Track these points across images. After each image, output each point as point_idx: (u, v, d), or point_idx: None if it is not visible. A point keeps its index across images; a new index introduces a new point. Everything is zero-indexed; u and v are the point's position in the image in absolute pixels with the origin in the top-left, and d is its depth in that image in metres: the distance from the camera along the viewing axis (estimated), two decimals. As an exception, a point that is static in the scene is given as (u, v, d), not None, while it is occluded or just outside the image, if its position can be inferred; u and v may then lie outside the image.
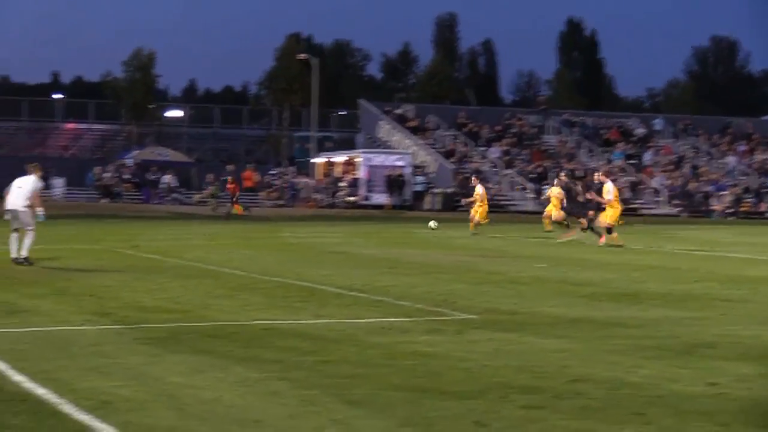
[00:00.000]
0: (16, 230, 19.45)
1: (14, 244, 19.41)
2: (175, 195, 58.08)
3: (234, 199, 44.89)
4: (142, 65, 69.81)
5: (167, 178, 58.90)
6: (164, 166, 60.78)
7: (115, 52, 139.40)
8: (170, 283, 16.56)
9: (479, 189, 31.93)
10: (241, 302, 14.22)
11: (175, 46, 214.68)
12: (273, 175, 62.16)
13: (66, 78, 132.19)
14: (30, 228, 19.38)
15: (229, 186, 46.37)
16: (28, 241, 19.38)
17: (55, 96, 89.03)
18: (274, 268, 19.79)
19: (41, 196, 20.12)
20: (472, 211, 32.05)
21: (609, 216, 26.28)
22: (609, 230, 26.43)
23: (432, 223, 33.43)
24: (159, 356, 9.76)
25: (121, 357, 9.68)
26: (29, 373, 8.71)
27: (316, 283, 16.84)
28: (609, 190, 26.35)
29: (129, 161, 61.72)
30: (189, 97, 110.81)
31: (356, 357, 9.84)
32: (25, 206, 19.34)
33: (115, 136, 75.21)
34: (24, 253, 19.26)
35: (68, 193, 56.52)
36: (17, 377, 8.60)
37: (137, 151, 64.47)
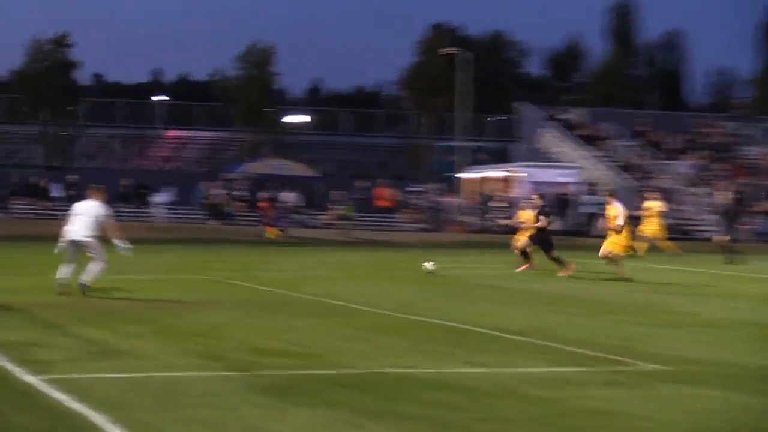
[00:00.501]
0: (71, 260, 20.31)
1: (66, 273, 20.20)
2: (297, 216, 58.79)
3: (268, 221, 45.65)
4: (258, 62, 70.88)
5: (287, 196, 59.64)
6: (284, 182, 61.59)
7: (227, 47, 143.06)
8: (292, 322, 16.84)
9: (617, 209, 28.55)
10: (376, 346, 14.38)
11: (296, 40, 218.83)
12: (412, 192, 62.30)
13: (169, 77, 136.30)
14: (100, 259, 20.25)
15: (261, 205, 47.42)
16: (95, 267, 20.23)
17: (155, 98, 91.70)
18: (416, 304, 19.93)
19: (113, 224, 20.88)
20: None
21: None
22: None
23: (429, 265, 27.78)
24: (279, 409, 9.93)
25: (237, 409, 9.88)
26: (128, 427, 9.00)
27: (467, 323, 16.88)
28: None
29: (242, 175, 62.80)
30: (312, 99, 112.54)
31: (518, 414, 9.82)
32: (90, 236, 20.24)
33: (225, 146, 76.65)
34: (87, 278, 20.04)
35: (170, 213, 57.72)
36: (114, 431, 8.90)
37: (252, 164, 65.46)
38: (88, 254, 20.43)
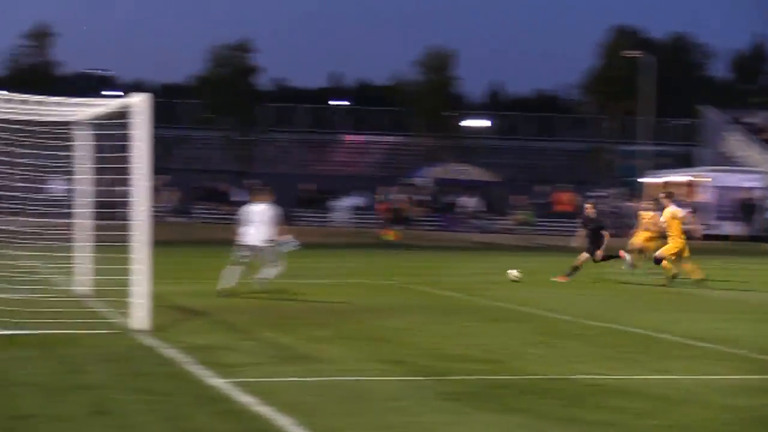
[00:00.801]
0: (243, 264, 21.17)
1: (234, 277, 20.94)
2: (478, 221, 58.77)
3: (388, 224, 45.36)
4: (438, 66, 71.19)
5: (468, 201, 59.71)
6: (465, 186, 61.70)
7: (407, 52, 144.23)
8: (477, 328, 16.94)
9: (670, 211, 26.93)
10: (561, 352, 14.36)
11: (476, 45, 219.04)
12: (594, 197, 61.56)
13: (349, 82, 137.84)
14: (275, 263, 21.12)
15: (380, 207, 47.17)
16: (271, 271, 21.20)
17: (335, 103, 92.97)
18: (601, 311, 19.83)
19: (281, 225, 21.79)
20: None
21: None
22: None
23: (513, 273, 27.25)
24: (466, 414, 10.00)
25: (421, 415, 9.98)
26: (313, 430, 9.19)
27: (653, 330, 16.73)
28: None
29: (423, 180, 63.23)
30: (493, 104, 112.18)
31: (704, 422, 9.69)
32: (267, 241, 21.14)
33: (405, 150, 77.22)
34: (263, 276, 21.10)
35: (352, 218, 58.43)
36: (303, 435, 9.12)
37: (433, 168, 65.83)
38: (264, 258, 21.14)
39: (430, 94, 70.06)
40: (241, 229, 21.35)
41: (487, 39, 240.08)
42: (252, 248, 21.13)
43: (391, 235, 45.42)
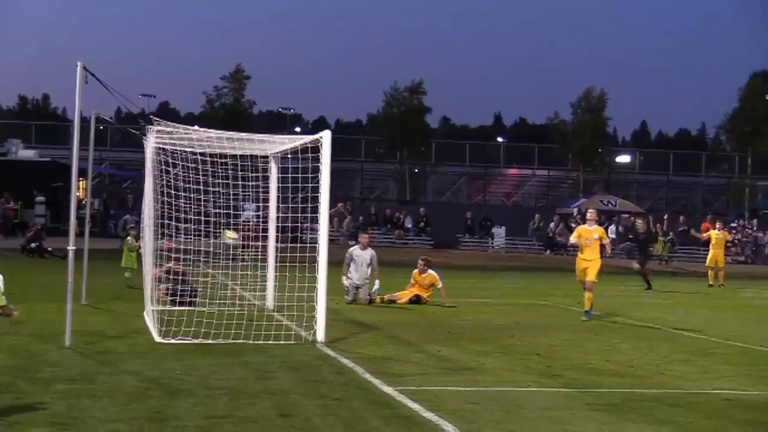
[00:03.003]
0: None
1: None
2: (627, 248, 57.95)
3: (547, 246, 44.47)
4: (592, 107, 70.51)
5: (614, 229, 59.00)
6: (612, 216, 60.93)
7: (562, 92, 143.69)
8: (622, 345, 16.70)
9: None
10: (700, 369, 14.05)
11: (624, 86, 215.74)
12: (733, 228, 59.97)
13: (508, 121, 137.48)
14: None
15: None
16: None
17: (498, 140, 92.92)
18: (738, 331, 19.34)
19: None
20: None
21: None
22: None
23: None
24: (613, 424, 9.86)
25: (573, 424, 9.87)
26: (476, 434, 9.17)
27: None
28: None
29: (574, 210, 62.63)
30: (640, 141, 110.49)
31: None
32: (367, 281, 23.16)
33: (560, 183, 76.73)
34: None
35: (509, 243, 58.31)
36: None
37: (584, 200, 65.13)
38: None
39: (584, 132, 69.32)
40: (349, 269, 23.24)
41: (636, 80, 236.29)
42: (355, 286, 23.17)
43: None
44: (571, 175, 74.35)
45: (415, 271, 24.11)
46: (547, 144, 75.92)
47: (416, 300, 23.36)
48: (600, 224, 23.01)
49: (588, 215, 26.23)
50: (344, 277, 23.14)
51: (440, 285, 23.52)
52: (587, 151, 70.16)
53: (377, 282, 23.49)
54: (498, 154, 79.26)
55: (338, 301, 22.04)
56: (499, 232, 58.60)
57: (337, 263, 21.10)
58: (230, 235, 23.05)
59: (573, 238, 21.97)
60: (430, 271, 23.91)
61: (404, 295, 23.44)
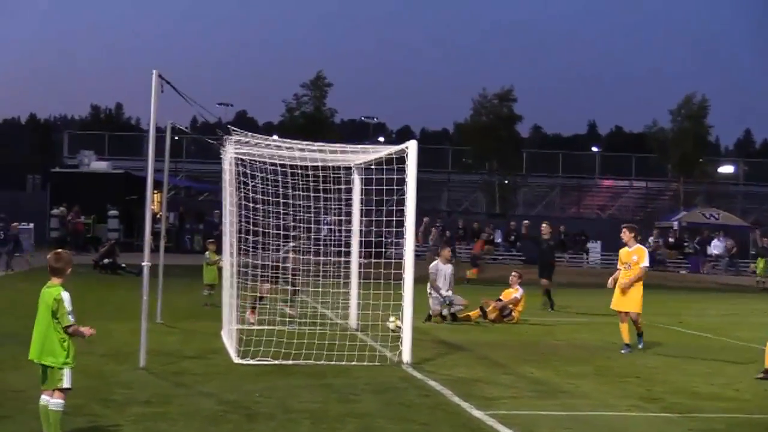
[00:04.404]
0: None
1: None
2: (726, 264, 56.98)
3: (478, 261, 43.57)
4: (692, 114, 69.42)
5: (718, 244, 58.00)
6: (714, 230, 59.93)
7: (660, 99, 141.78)
8: (725, 367, 16.43)
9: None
10: (813, 395, 13.70)
11: (727, 92, 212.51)
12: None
13: (603, 129, 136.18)
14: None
15: (477, 245, 45.98)
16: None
17: (592, 149, 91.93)
18: None
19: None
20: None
21: None
22: None
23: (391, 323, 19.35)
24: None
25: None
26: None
27: None
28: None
29: (675, 223, 61.76)
30: (744, 150, 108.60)
31: None
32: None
33: (658, 195, 75.75)
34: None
35: (605, 259, 57.67)
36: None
37: (684, 213, 64.24)
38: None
39: (684, 141, 68.26)
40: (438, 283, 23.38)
41: (739, 86, 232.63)
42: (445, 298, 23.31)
43: (473, 273, 44.20)
44: (671, 187, 73.39)
45: (509, 288, 24.19)
46: (645, 154, 75.01)
47: (503, 312, 23.45)
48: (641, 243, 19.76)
49: (542, 229, 25.82)
50: (433, 293, 23.20)
51: (516, 296, 23.57)
52: (688, 161, 69.11)
53: (460, 299, 23.75)
54: (592, 164, 78.53)
55: (424, 321, 21.98)
56: (595, 247, 58.02)
57: (423, 280, 21.04)
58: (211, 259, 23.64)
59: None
60: (518, 287, 24.00)
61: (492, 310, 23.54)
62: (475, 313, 23.52)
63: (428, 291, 23.34)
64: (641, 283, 18.60)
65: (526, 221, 31.17)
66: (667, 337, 21.29)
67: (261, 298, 19.76)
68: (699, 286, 46.24)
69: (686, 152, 68.22)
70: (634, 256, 18.67)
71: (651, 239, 56.22)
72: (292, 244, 20.03)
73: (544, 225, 29.05)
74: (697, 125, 69.22)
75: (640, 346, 18.53)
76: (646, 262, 18.66)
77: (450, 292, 23.36)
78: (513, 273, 24.77)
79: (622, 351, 18.07)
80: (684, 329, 23.48)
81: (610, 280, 18.88)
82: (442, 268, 23.64)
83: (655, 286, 43.72)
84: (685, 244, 59.39)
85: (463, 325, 22.49)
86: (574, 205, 74.58)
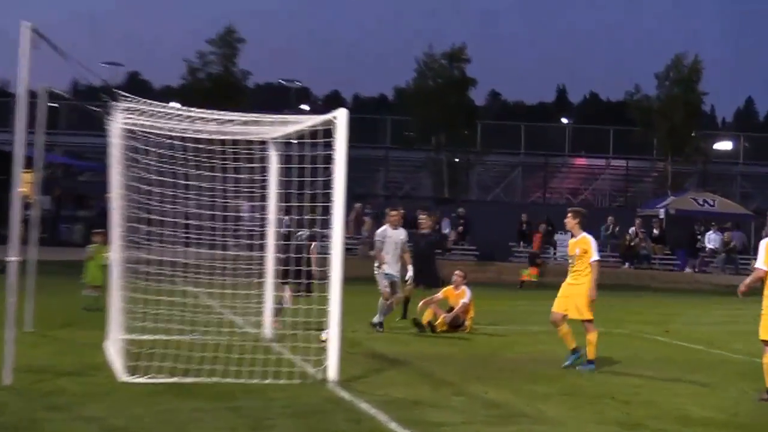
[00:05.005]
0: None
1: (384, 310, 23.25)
2: (722, 261, 57.56)
3: (537, 259, 44.34)
4: (683, 78, 69.79)
5: (713, 238, 58.59)
6: (708, 220, 60.53)
7: (644, 60, 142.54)
8: (720, 386, 16.64)
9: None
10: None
11: (725, 54, 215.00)
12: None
13: (575, 96, 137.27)
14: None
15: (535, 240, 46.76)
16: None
17: (561, 121, 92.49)
18: None
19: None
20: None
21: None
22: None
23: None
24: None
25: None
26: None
27: None
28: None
29: (661, 211, 62.22)
30: (744, 123, 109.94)
31: None
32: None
33: (641, 177, 76.25)
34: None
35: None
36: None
37: (673, 198, 64.66)
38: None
39: (673, 112, 68.65)
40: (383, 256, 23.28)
41: (737, 48, 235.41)
42: (390, 277, 23.17)
43: (531, 274, 44.49)
44: (656, 167, 73.82)
45: (450, 287, 24.19)
46: (626, 126, 75.37)
47: (454, 323, 23.48)
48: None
49: (420, 222, 25.69)
50: (378, 269, 23.10)
51: (465, 300, 23.63)
52: (677, 136, 69.36)
53: (410, 268, 23.66)
54: (562, 139, 78.80)
55: (355, 329, 22.00)
56: (563, 239, 58.28)
57: (353, 279, 21.04)
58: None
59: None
60: (464, 288, 24.02)
61: (428, 314, 23.59)
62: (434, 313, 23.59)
63: (374, 267, 23.26)
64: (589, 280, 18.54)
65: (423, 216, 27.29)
66: (651, 350, 21.55)
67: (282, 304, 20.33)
68: (691, 287, 46.93)
69: (675, 125, 68.48)
70: (577, 248, 18.65)
71: (632, 230, 56.73)
72: (304, 232, 20.34)
73: (422, 216, 27.51)
74: (688, 92, 69.59)
75: (566, 363, 18.46)
76: (595, 255, 18.54)
77: (396, 268, 23.30)
78: (456, 272, 24.57)
79: (575, 366, 18.24)
80: (671, 340, 23.77)
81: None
82: (391, 235, 23.45)
83: (637, 287, 44.36)
84: (672, 236, 59.79)
85: (403, 335, 22.54)
86: (539, 188, 74.93)
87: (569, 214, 18.98)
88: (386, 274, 23.02)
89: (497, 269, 50.93)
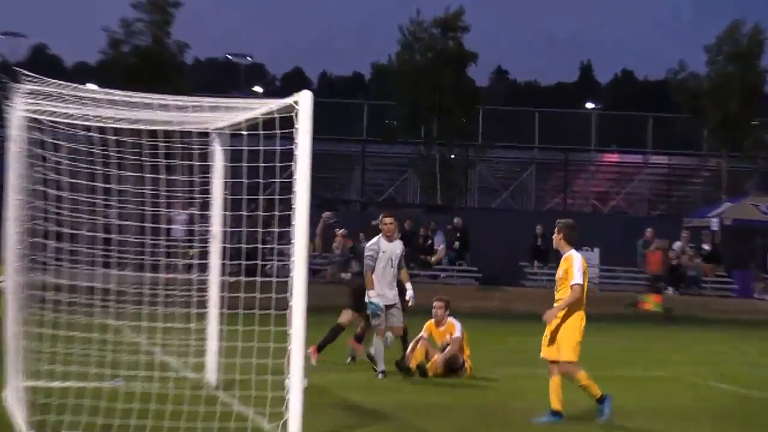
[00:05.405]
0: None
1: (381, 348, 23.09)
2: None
3: (656, 286, 44.51)
4: (740, 53, 69.60)
5: (776, 252, 58.74)
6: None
7: (690, 31, 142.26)
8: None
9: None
10: None
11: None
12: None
13: (604, 76, 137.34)
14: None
15: (651, 260, 46.71)
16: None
17: (586, 106, 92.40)
18: None
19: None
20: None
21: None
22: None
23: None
24: None
25: None
26: None
27: None
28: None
29: (713, 221, 62.20)
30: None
31: None
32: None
33: (688, 177, 76.25)
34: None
35: (605, 275, 57.75)
36: None
37: (728, 205, 64.63)
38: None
39: (727, 94, 68.59)
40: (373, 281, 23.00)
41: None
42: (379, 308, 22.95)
43: (653, 302, 44.59)
44: (707, 164, 73.90)
45: (430, 322, 24.08)
46: (668, 114, 75.45)
47: (452, 365, 23.44)
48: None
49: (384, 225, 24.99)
50: (372, 293, 22.98)
51: (457, 334, 23.57)
52: (733, 125, 69.41)
53: (410, 287, 23.48)
54: (587, 129, 78.91)
55: (323, 374, 22.00)
56: (590, 256, 58.26)
57: (318, 310, 20.97)
58: None
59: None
60: (451, 320, 23.91)
61: (418, 354, 23.50)
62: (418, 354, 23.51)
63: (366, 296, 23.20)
64: (578, 314, 18.38)
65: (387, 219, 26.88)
66: (706, 399, 21.60)
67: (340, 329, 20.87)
68: (753, 318, 46.95)
69: (730, 111, 68.61)
70: (562, 269, 18.45)
71: (676, 245, 56.65)
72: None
73: (387, 220, 26.54)
74: (746, 70, 69.68)
75: (602, 419, 18.34)
76: (576, 278, 18.18)
77: (392, 293, 23.10)
78: (435, 303, 24.16)
79: (543, 419, 18.21)
80: (728, 385, 23.86)
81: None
82: (385, 249, 23.24)
83: (684, 318, 44.37)
84: (728, 253, 59.87)
85: (385, 380, 22.52)
86: (558, 192, 74.97)
87: (555, 228, 18.80)
88: (374, 305, 22.79)
89: (504, 296, 50.78)
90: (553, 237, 18.65)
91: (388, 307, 22.90)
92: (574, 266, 17.95)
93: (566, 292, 18.06)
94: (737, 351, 31.88)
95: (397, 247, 23.41)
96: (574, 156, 75.71)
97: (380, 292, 22.85)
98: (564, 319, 18.09)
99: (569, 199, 74.00)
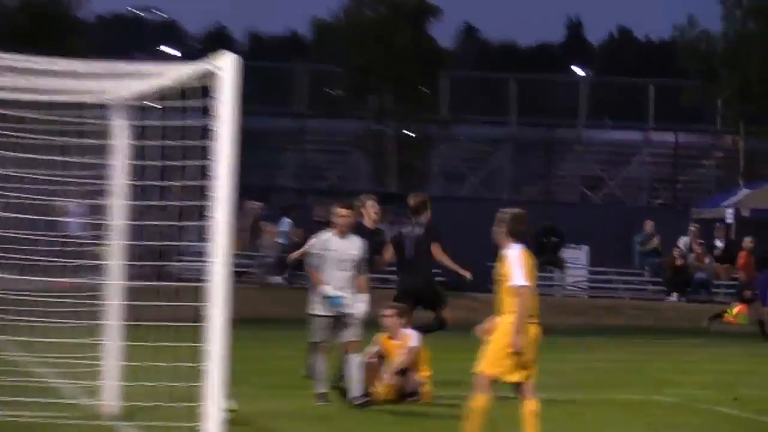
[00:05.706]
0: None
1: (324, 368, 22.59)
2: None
3: (744, 294, 44.86)
4: (759, 7, 69.83)
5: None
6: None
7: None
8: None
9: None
10: None
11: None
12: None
13: (595, 34, 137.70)
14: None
15: (742, 262, 46.97)
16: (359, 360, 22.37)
17: (574, 70, 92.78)
18: None
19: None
20: None
21: None
22: None
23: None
24: None
25: None
26: None
27: None
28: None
29: (728, 212, 62.48)
30: None
31: None
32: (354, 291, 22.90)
33: (698, 158, 76.52)
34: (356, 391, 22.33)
35: (596, 278, 57.94)
36: None
37: (746, 192, 64.87)
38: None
39: (745, 57, 68.88)
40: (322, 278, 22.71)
41: None
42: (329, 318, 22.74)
43: (739, 314, 44.77)
44: (722, 142, 74.18)
45: (383, 335, 23.97)
46: (673, 78, 75.73)
47: (405, 387, 23.39)
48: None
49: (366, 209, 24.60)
50: (327, 288, 22.63)
51: (414, 344, 23.46)
52: (753, 96, 69.66)
53: (364, 299, 23.23)
54: (575, 100, 79.16)
55: (248, 401, 22.02)
56: (577, 256, 58.41)
57: (245, 321, 20.98)
58: None
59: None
60: (406, 332, 23.79)
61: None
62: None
63: (311, 300, 22.94)
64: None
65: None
66: (710, 428, 21.71)
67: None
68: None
69: (750, 78, 68.85)
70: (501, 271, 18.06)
71: (683, 242, 56.87)
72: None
73: (342, 212, 26.67)
74: (765, 31, 69.98)
75: None
76: (515, 279, 17.72)
77: (346, 293, 22.76)
78: (384, 312, 24.02)
79: None
80: (743, 412, 23.95)
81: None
82: (336, 248, 22.97)
83: (691, 330, 44.60)
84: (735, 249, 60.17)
85: (325, 406, 22.54)
86: (539, 177, 75.23)
87: (496, 218, 18.58)
88: (330, 298, 22.48)
89: (471, 304, 50.80)
90: (493, 228, 18.32)
91: (339, 317, 22.73)
92: (514, 265, 17.62)
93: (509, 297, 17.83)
94: (754, 370, 32.03)
95: (352, 245, 23.05)
96: (560, 133, 76.01)
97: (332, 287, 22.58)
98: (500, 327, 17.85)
99: (553, 186, 74.12)
